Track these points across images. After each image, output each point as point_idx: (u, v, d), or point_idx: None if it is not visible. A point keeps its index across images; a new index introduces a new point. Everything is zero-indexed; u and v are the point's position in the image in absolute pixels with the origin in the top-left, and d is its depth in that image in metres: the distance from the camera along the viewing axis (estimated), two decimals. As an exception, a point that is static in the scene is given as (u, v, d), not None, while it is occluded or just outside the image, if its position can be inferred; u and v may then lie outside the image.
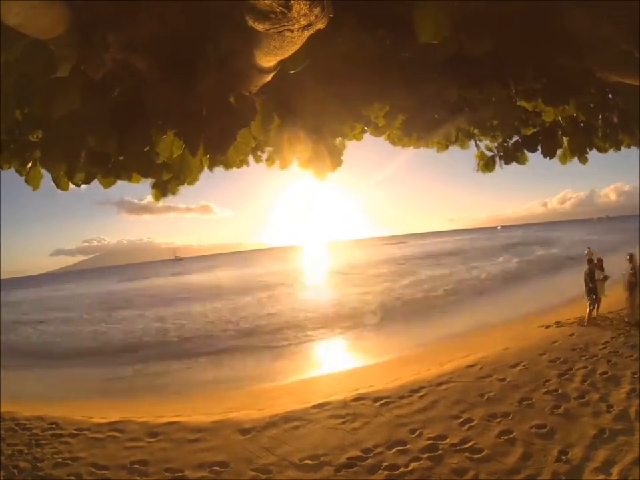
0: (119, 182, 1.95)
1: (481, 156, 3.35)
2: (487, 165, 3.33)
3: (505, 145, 3.25)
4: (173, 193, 2.08)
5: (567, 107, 2.43)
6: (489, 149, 3.33)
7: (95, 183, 1.89)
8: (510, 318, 11.19)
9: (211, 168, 2.15)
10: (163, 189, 2.04)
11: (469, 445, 4.11)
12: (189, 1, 1.39)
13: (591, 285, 8.32)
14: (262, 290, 25.34)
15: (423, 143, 3.11)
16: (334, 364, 9.55)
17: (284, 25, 0.88)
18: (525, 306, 13.08)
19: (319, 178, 2.26)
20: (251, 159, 2.79)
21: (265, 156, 2.72)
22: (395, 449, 4.21)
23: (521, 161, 3.18)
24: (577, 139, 3.01)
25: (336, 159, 2.28)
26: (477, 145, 3.33)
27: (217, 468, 4.25)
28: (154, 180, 1.99)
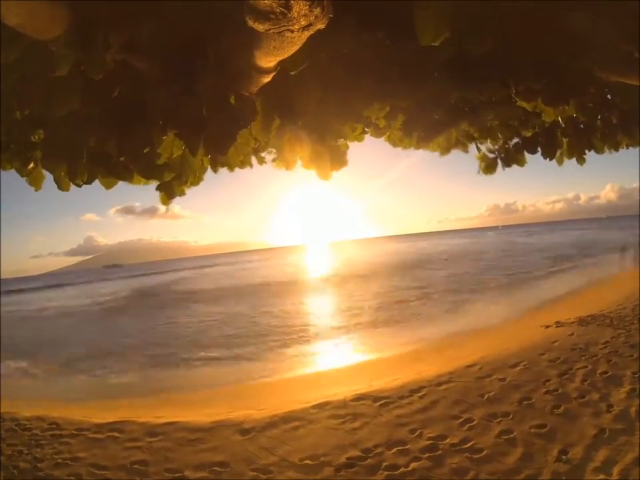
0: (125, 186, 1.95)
1: (483, 158, 3.35)
2: (488, 166, 3.33)
3: (506, 146, 3.25)
4: (179, 195, 2.07)
5: (566, 107, 2.43)
6: (491, 151, 3.33)
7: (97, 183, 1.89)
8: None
9: (213, 168, 2.14)
10: (168, 192, 2.03)
11: (469, 444, 4.11)
12: (188, 1, 1.39)
13: None
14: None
15: (423, 144, 3.11)
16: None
17: (284, 26, 0.88)
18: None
19: (322, 178, 2.25)
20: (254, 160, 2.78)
21: (269, 157, 2.71)
22: (395, 449, 4.21)
23: (521, 162, 3.18)
24: (576, 140, 3.02)
25: (340, 159, 2.27)
26: (477, 148, 3.33)
27: (217, 468, 4.25)
28: (157, 182, 1.99)
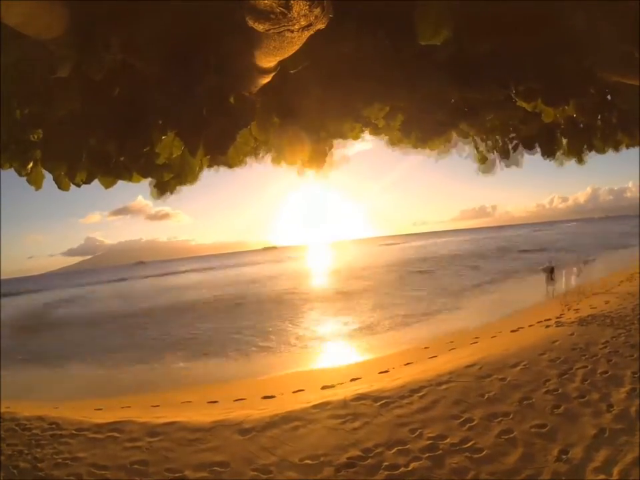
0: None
1: (481, 157, 3.35)
2: (486, 166, 3.32)
3: (504, 146, 3.24)
4: (172, 193, 2.07)
5: (566, 107, 2.43)
6: (489, 150, 3.33)
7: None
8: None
9: (211, 168, 2.14)
10: (162, 188, 2.03)
11: (469, 444, 4.11)
12: (189, 1, 1.39)
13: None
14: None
15: (422, 145, 3.11)
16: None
17: (284, 26, 0.88)
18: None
19: (320, 178, 2.26)
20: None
21: (267, 156, 2.71)
22: (395, 448, 4.21)
23: (519, 162, 3.18)
24: (576, 140, 3.01)
25: (339, 158, 2.28)
26: (475, 147, 3.32)
27: (217, 468, 4.25)
28: (154, 180, 1.99)
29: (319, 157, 2.21)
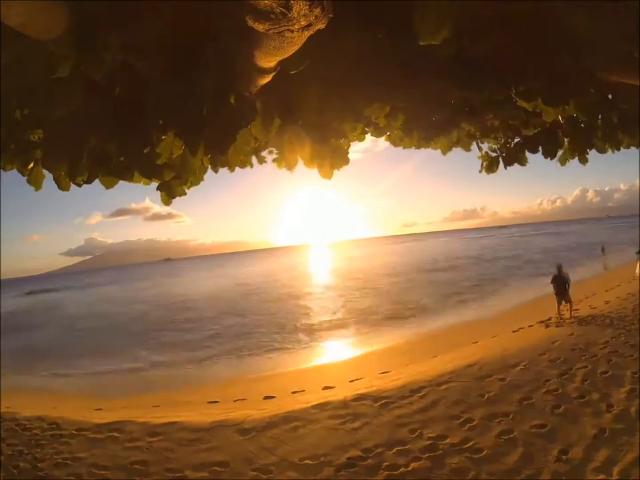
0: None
1: (485, 157, 3.35)
2: (490, 166, 3.32)
3: (507, 146, 3.25)
4: (180, 195, 2.07)
5: (567, 107, 2.43)
6: (493, 150, 3.33)
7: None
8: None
9: (213, 168, 2.14)
10: (169, 191, 2.03)
11: (469, 445, 4.11)
12: (188, 1, 1.39)
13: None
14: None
15: (424, 144, 3.11)
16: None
17: (284, 26, 0.88)
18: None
19: (324, 177, 2.27)
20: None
21: (270, 157, 2.73)
22: (395, 449, 4.21)
23: (522, 161, 3.18)
24: (577, 140, 3.01)
25: (341, 157, 2.28)
26: (479, 147, 3.33)
27: (217, 468, 4.25)
28: (158, 182, 1.99)
29: (321, 156, 2.22)
